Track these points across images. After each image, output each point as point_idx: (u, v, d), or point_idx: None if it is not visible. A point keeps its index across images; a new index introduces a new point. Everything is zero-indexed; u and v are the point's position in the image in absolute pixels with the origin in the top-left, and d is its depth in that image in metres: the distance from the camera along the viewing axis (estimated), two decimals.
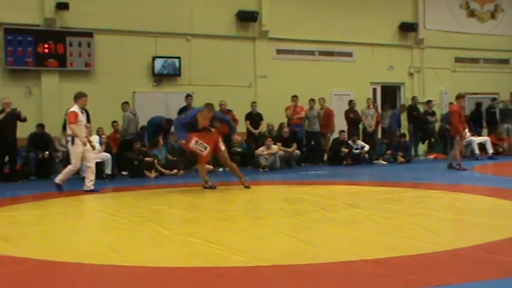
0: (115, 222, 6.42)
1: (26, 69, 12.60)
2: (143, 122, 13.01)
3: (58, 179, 9.15)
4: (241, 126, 13.73)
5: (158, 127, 12.71)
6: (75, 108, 9.14)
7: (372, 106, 15.26)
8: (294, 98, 14.02)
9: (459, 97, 11.85)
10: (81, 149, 9.04)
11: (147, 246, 4.91)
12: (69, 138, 9.12)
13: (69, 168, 9.12)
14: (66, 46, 12.79)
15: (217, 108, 13.17)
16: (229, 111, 13.33)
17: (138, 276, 3.89)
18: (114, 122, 12.96)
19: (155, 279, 3.79)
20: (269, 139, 13.09)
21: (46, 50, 12.63)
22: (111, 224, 6.30)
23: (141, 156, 11.98)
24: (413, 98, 16.32)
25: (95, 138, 11.34)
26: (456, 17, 17.89)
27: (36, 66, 12.62)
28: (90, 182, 9.08)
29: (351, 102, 14.99)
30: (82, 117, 9.17)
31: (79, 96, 9.26)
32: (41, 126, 12.04)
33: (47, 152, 11.91)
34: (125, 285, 3.74)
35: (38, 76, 12.75)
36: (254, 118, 13.78)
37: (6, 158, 11.34)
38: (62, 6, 12.68)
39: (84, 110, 11.65)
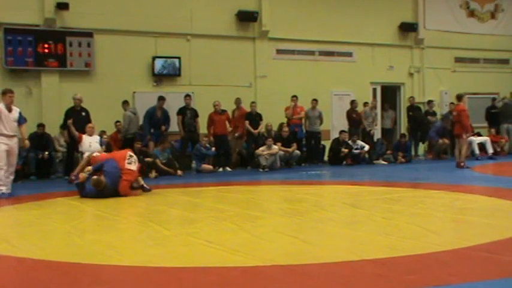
0: (115, 222, 6.43)
1: (26, 69, 12.58)
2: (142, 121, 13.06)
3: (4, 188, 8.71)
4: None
5: (152, 115, 12.73)
6: None
7: (374, 108, 15.34)
8: (294, 98, 14.02)
9: (462, 97, 12.15)
10: (3, 148, 8.64)
11: (147, 246, 4.91)
12: None
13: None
14: (66, 46, 12.77)
15: (211, 108, 13.27)
16: (224, 111, 13.34)
17: (138, 276, 3.89)
18: (117, 121, 12.97)
19: (155, 279, 3.79)
20: (269, 139, 13.08)
21: (46, 50, 12.60)
22: (111, 224, 6.30)
23: (141, 156, 11.96)
24: (410, 98, 16.35)
25: (95, 138, 11.34)
26: (456, 17, 17.88)
27: (36, 66, 12.60)
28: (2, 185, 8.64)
29: (353, 102, 15.00)
30: (9, 115, 8.72)
31: (4, 93, 8.86)
32: (42, 126, 12.05)
33: (46, 153, 11.91)
34: (125, 285, 3.74)
35: (38, 76, 12.73)
36: (253, 118, 13.77)
37: None
38: (62, 6, 12.66)
39: (83, 108, 11.74)
